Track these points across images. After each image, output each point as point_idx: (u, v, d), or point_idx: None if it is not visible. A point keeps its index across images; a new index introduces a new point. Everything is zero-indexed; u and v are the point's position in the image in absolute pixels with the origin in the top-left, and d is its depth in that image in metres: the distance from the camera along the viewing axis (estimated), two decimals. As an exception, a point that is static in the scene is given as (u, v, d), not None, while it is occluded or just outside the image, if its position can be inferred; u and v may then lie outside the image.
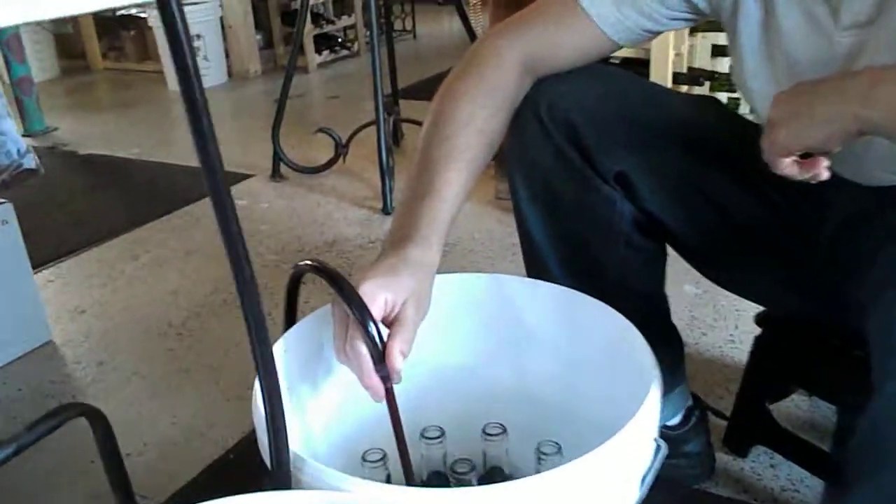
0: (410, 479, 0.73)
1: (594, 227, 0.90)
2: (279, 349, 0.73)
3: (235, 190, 2.34)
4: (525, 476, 0.86)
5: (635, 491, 0.62)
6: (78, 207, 2.28)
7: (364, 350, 0.67)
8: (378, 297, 0.69)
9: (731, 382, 1.32)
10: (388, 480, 0.79)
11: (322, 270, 0.68)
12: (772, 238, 0.88)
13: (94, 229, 2.08)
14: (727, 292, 1.04)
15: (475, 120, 0.80)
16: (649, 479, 0.60)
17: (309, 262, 0.70)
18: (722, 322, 1.50)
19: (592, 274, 0.92)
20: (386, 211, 2.11)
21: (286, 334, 0.75)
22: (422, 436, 0.82)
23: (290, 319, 0.77)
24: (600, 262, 0.92)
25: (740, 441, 1.13)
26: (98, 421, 1.00)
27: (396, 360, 0.67)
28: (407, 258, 0.72)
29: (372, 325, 0.66)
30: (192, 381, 1.40)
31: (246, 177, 2.43)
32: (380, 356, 0.67)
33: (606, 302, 0.80)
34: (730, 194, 0.88)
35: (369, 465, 0.78)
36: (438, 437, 0.82)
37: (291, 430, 0.77)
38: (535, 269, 0.95)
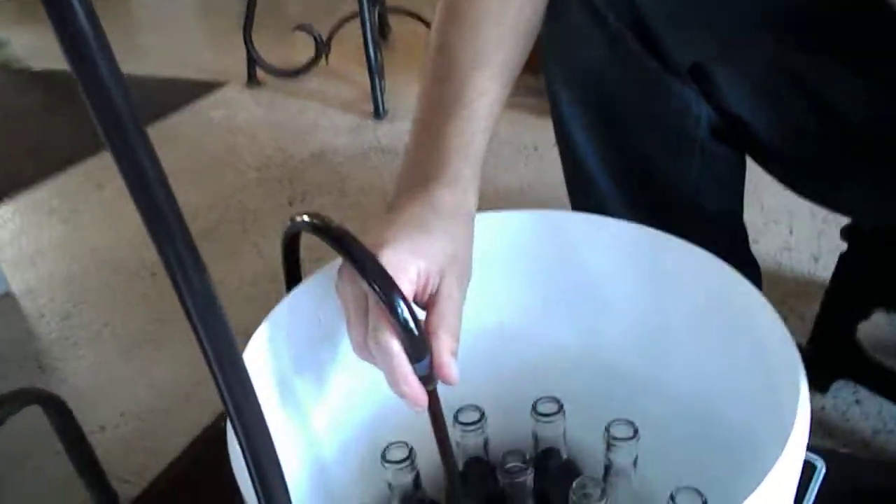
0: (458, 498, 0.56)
1: (661, 137, 0.70)
2: (263, 337, 0.54)
3: (208, 101, 2.10)
4: (588, 461, 0.69)
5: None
6: (32, 132, 2.04)
7: (395, 347, 0.48)
8: (408, 268, 0.49)
9: (793, 298, 1.14)
10: (417, 483, 0.62)
11: (324, 230, 0.48)
12: (890, 137, 0.68)
13: (52, 157, 1.85)
14: (774, 190, 0.85)
15: (508, 7, 0.58)
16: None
17: (306, 219, 0.49)
18: (773, 226, 1.31)
19: (658, 195, 0.72)
20: (378, 115, 1.89)
21: (272, 313, 0.56)
22: (456, 420, 0.64)
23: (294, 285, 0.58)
24: (668, 179, 0.72)
25: (821, 374, 0.96)
26: (53, 407, 0.82)
27: (449, 368, 0.49)
28: (437, 206, 0.52)
29: (404, 309, 0.46)
30: (172, 332, 1.22)
31: (219, 85, 2.18)
32: (417, 351, 0.48)
33: (676, 229, 0.61)
34: (837, 85, 0.67)
35: (393, 466, 0.60)
36: (477, 422, 0.64)
37: (291, 433, 0.59)
38: (581, 192, 0.76)
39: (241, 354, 0.30)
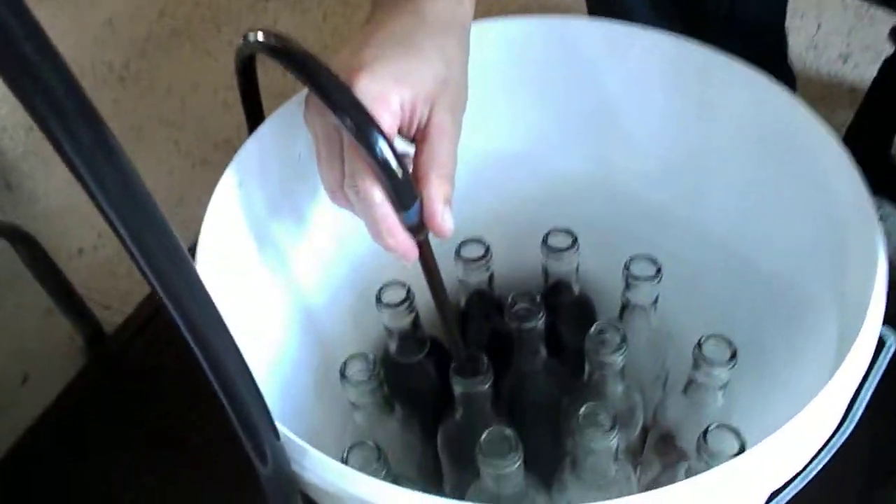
0: (461, 362, 0.51)
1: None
2: (230, 182, 0.46)
3: None
4: (603, 299, 0.64)
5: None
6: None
7: (377, 196, 0.40)
8: (390, 97, 0.40)
9: (817, 102, 1.05)
10: (416, 323, 0.56)
11: (282, 53, 0.38)
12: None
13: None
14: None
15: None
16: (872, 384, 0.37)
17: (260, 38, 0.40)
18: (799, 21, 1.19)
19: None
20: None
21: (239, 154, 0.47)
22: (458, 255, 0.58)
23: (254, 118, 0.49)
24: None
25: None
26: (20, 240, 0.76)
27: (442, 218, 0.42)
28: (426, 17, 0.42)
29: (385, 148, 0.38)
30: (147, 143, 1.14)
31: None
32: (404, 199, 0.41)
33: (709, 37, 0.52)
34: None
35: (389, 310, 0.54)
36: (482, 257, 0.57)
37: (274, 284, 0.53)
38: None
39: (184, 252, 0.23)
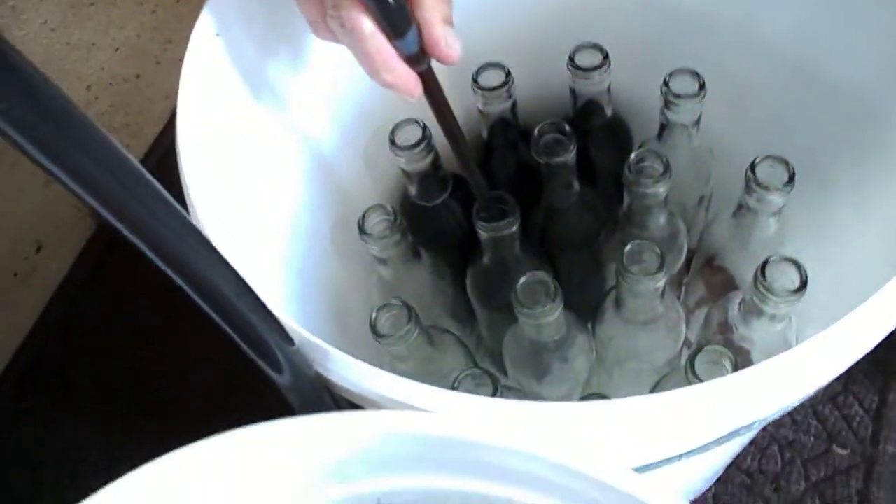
0: (484, 204, 0.46)
1: None
2: (205, 32, 0.40)
3: None
4: (638, 118, 0.58)
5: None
6: None
7: (367, 26, 0.34)
8: None
9: None
10: (436, 164, 0.52)
11: None
12: None
13: None
14: None
15: None
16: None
17: None
18: None
19: None
20: None
21: (208, 4, 0.41)
22: (475, 83, 0.52)
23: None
24: None
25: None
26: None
27: (445, 42, 0.36)
28: None
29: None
30: (125, -21, 1.04)
31: None
32: (397, 25, 0.34)
33: None
34: None
35: (405, 152, 0.49)
36: (502, 85, 0.52)
37: (276, 134, 0.47)
38: None
39: (132, 162, 0.18)
